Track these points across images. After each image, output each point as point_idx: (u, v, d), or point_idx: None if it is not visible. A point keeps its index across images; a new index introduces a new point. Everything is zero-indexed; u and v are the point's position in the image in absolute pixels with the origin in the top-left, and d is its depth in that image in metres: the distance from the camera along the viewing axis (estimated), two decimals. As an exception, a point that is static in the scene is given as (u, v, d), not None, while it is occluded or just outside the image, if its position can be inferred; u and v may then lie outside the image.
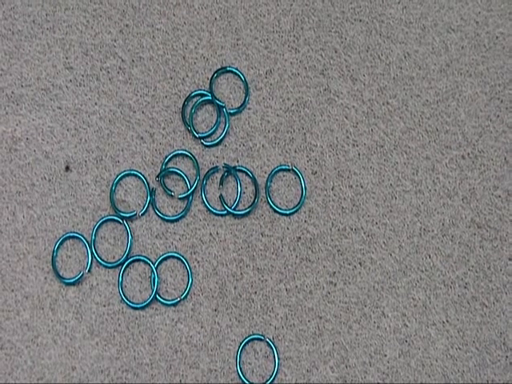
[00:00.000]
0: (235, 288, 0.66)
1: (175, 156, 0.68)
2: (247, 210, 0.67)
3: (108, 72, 0.69)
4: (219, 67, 0.69)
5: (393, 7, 0.70)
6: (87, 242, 0.66)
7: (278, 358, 0.65)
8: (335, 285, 0.66)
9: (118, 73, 0.69)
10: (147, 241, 0.67)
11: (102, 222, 0.67)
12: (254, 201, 0.67)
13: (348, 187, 0.67)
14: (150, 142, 0.68)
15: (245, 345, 0.65)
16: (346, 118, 0.68)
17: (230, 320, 0.66)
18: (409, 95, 0.69)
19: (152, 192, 0.67)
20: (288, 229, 0.67)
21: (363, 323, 0.66)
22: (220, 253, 0.67)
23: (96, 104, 0.69)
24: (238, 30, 0.69)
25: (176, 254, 0.66)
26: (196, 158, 0.67)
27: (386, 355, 0.65)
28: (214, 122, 0.68)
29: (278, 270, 0.66)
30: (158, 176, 0.67)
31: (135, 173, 0.67)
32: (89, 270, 0.66)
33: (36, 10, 0.70)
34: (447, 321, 0.66)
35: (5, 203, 0.67)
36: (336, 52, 0.69)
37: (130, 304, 0.66)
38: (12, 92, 0.69)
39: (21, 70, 0.69)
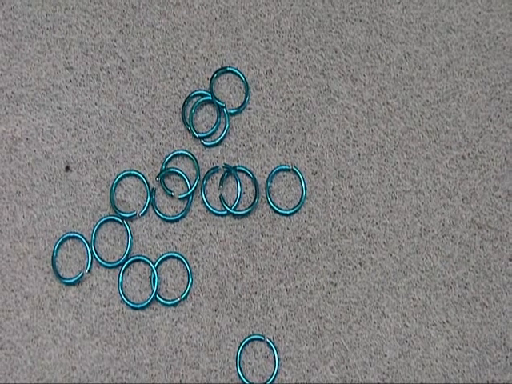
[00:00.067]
0: (235, 288, 0.66)
1: (175, 156, 0.68)
2: (247, 210, 0.67)
3: (108, 72, 0.69)
4: (219, 67, 0.69)
5: (393, 7, 0.70)
6: (87, 242, 0.66)
7: (278, 359, 0.65)
8: (335, 285, 0.66)
9: (118, 73, 0.69)
10: (147, 241, 0.67)
11: (102, 222, 0.67)
12: (254, 201, 0.67)
13: (348, 187, 0.67)
14: (150, 142, 0.68)
15: (245, 345, 0.65)
16: (347, 118, 0.68)
17: (230, 320, 0.66)
18: (409, 95, 0.69)
19: (152, 192, 0.67)
20: (288, 229, 0.67)
21: (363, 323, 0.66)
22: (220, 253, 0.67)
23: (96, 104, 0.69)
24: (238, 30, 0.69)
25: (176, 254, 0.66)
26: (196, 158, 0.67)
27: (386, 355, 0.65)
28: (214, 122, 0.68)
29: (278, 270, 0.66)
30: (158, 176, 0.67)
31: (135, 173, 0.67)
32: (89, 270, 0.66)
33: (36, 9, 0.70)
34: (447, 321, 0.66)
35: (5, 203, 0.67)
36: (336, 52, 0.69)
37: (130, 304, 0.65)
38: (12, 92, 0.69)
39: (21, 70, 0.69)
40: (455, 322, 0.66)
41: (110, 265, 0.66)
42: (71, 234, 0.66)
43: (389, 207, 0.67)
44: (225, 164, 0.67)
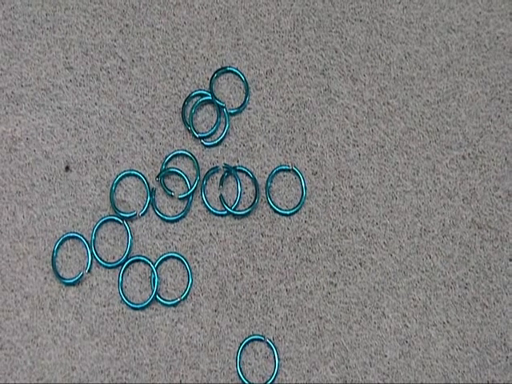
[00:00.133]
0: (235, 288, 0.66)
1: (175, 156, 0.68)
2: (247, 210, 0.67)
3: (108, 72, 0.69)
4: (219, 67, 0.69)
5: (393, 7, 0.70)
6: (87, 242, 0.66)
7: (278, 359, 0.65)
8: (335, 285, 0.66)
9: (118, 73, 0.69)
10: (147, 241, 0.67)
11: (102, 222, 0.67)
12: (254, 201, 0.67)
13: (348, 187, 0.67)
14: (150, 142, 0.68)
15: (245, 345, 0.65)
16: (347, 118, 0.68)
17: (230, 320, 0.66)
18: (409, 95, 0.69)
19: (152, 192, 0.67)
20: (288, 229, 0.67)
21: (363, 324, 0.66)
22: (220, 253, 0.66)
23: (96, 104, 0.68)
24: (239, 30, 0.69)
25: (176, 255, 0.66)
26: (196, 158, 0.67)
27: (386, 356, 0.65)
28: (214, 122, 0.68)
29: (278, 270, 0.66)
30: (158, 176, 0.67)
31: (135, 173, 0.67)
32: (89, 271, 0.66)
33: (36, 9, 0.70)
34: (448, 321, 0.66)
35: (5, 203, 0.67)
36: (336, 52, 0.69)
37: (130, 304, 0.65)
38: (12, 92, 0.69)
39: (21, 70, 0.69)
40: (455, 323, 0.66)
41: (109, 265, 0.66)
42: (71, 234, 0.66)
43: (389, 207, 0.67)
44: (225, 164, 0.67)
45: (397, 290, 0.66)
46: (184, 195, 0.67)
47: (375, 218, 0.67)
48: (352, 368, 0.65)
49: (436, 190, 0.67)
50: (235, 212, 0.67)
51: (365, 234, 0.67)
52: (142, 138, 0.68)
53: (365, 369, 0.65)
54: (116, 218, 0.67)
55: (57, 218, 0.67)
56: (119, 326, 0.66)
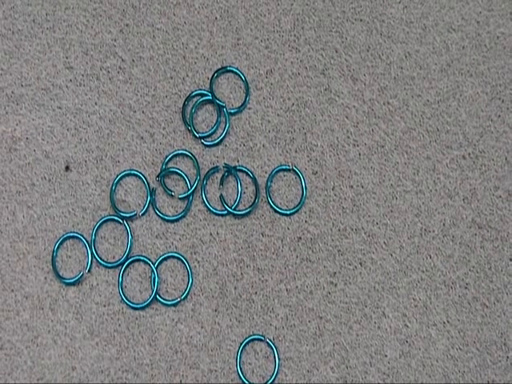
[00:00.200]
0: (235, 288, 0.66)
1: (175, 156, 0.68)
2: (247, 210, 0.67)
3: (108, 72, 0.69)
4: (219, 67, 0.69)
5: (393, 7, 0.70)
6: (87, 241, 0.66)
7: (279, 359, 0.65)
8: (336, 285, 0.66)
9: (118, 72, 0.69)
10: (147, 241, 0.67)
11: (102, 222, 0.67)
12: (255, 201, 0.67)
13: (349, 187, 0.67)
14: (150, 142, 0.68)
15: (245, 345, 0.65)
16: (347, 117, 0.68)
17: (231, 320, 0.66)
18: (409, 95, 0.69)
19: (152, 192, 0.67)
20: (288, 229, 0.67)
21: (364, 323, 0.66)
22: (220, 253, 0.66)
23: (96, 104, 0.68)
24: (239, 30, 0.69)
25: (176, 254, 0.66)
26: (196, 157, 0.67)
27: (386, 355, 0.65)
28: (215, 121, 0.68)
29: (278, 270, 0.66)
30: (158, 176, 0.67)
31: (135, 173, 0.67)
32: (89, 270, 0.66)
33: (36, 9, 0.70)
34: (448, 321, 0.66)
35: (5, 203, 0.67)
36: (337, 52, 0.69)
37: (130, 304, 0.65)
38: (12, 92, 0.69)
39: (21, 70, 0.69)
40: (456, 322, 0.66)
41: (110, 265, 0.66)
42: (71, 234, 0.66)
43: (389, 207, 0.67)
44: (225, 164, 0.67)
45: (397, 289, 0.66)
46: (184, 195, 0.67)
47: (375, 217, 0.67)
48: (352, 368, 0.65)
49: (436, 190, 0.67)
50: (235, 212, 0.67)
51: (365, 233, 0.67)
52: (142, 138, 0.68)
53: (365, 369, 0.65)
54: (116, 218, 0.67)
55: (57, 218, 0.67)
56: (119, 325, 0.66)
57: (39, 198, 0.67)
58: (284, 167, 0.67)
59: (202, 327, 0.65)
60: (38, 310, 0.66)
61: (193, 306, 0.66)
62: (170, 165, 0.68)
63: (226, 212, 0.67)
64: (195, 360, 0.65)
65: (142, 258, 0.66)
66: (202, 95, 0.68)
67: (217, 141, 0.68)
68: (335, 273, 0.66)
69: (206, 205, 0.67)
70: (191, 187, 0.67)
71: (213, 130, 0.68)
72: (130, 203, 0.67)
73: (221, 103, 0.68)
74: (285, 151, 0.68)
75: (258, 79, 0.69)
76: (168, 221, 0.67)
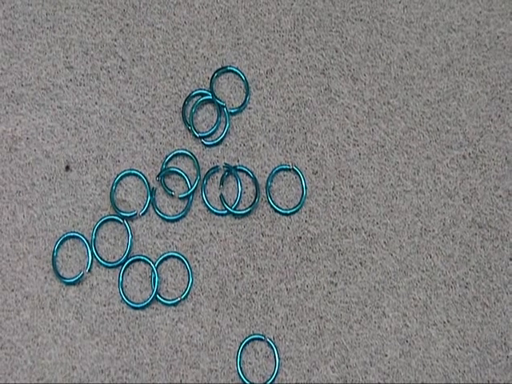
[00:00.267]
0: (236, 288, 0.66)
1: (175, 156, 0.68)
2: (248, 209, 0.67)
3: (108, 71, 0.69)
4: (220, 67, 0.69)
5: (394, 7, 0.70)
6: (87, 241, 0.66)
7: (279, 358, 0.65)
8: (336, 285, 0.66)
9: (119, 72, 0.69)
10: (147, 240, 0.67)
11: (103, 222, 0.67)
12: (255, 200, 0.67)
13: (349, 187, 0.67)
14: (150, 142, 0.68)
15: (245, 345, 0.65)
16: (347, 117, 0.68)
17: (231, 320, 0.66)
18: (410, 95, 0.69)
19: (152, 192, 0.67)
20: (288, 228, 0.67)
21: (364, 323, 0.66)
22: (220, 252, 0.66)
23: (96, 103, 0.68)
24: (239, 30, 0.69)
25: (176, 254, 0.66)
26: (196, 157, 0.67)
27: (386, 355, 0.65)
28: (215, 121, 0.68)
29: (278, 269, 0.66)
30: (158, 176, 0.67)
31: (135, 172, 0.67)
32: (89, 270, 0.66)
33: (36, 9, 0.70)
34: (448, 321, 0.66)
35: (5, 203, 0.67)
36: (337, 51, 0.69)
37: (131, 304, 0.65)
38: (12, 91, 0.69)
39: (21, 70, 0.69)
40: (456, 322, 0.66)
41: (110, 264, 0.66)
42: (71, 234, 0.66)
43: (389, 207, 0.67)
44: (225, 163, 0.67)
45: (397, 289, 0.66)
46: (184, 195, 0.67)
47: (375, 217, 0.67)
48: (352, 367, 0.65)
49: (436, 190, 0.67)
50: (235, 211, 0.67)
51: (365, 233, 0.67)
52: (142, 138, 0.68)
53: (365, 368, 0.65)
54: (116, 218, 0.67)
55: (57, 218, 0.67)
56: (119, 325, 0.66)
57: (39, 198, 0.67)
58: (284, 167, 0.67)
59: (202, 327, 0.65)
60: (38, 310, 0.66)
61: (193, 305, 0.66)
62: (170, 164, 0.68)
63: (226, 212, 0.67)
64: (195, 359, 0.65)
65: (142, 257, 0.66)
66: (202, 95, 0.68)
67: (217, 140, 0.68)
68: (335, 272, 0.66)
69: (206, 204, 0.67)
70: (191, 187, 0.67)
71: (213, 130, 0.68)
72: (131, 203, 0.67)
73: (221, 103, 0.68)
74: (285, 151, 0.68)
75: (258, 79, 0.69)
76: (168, 220, 0.67)
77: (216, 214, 0.67)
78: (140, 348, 0.65)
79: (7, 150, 0.68)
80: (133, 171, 0.67)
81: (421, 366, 0.65)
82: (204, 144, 0.68)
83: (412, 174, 0.67)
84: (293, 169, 0.67)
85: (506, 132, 0.68)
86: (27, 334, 0.65)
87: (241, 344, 0.65)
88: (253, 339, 0.65)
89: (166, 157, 0.67)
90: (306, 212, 0.67)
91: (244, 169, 0.67)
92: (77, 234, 0.66)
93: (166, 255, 0.66)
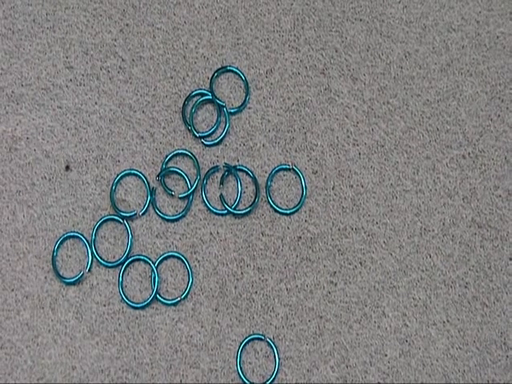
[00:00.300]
0: (235, 288, 0.66)
1: (175, 155, 0.68)
2: (247, 209, 0.67)
3: (108, 71, 0.69)
4: (219, 66, 0.69)
5: (393, 7, 0.70)
6: (87, 241, 0.66)
7: (279, 358, 0.65)
8: (336, 284, 0.66)
9: (119, 72, 0.69)
10: (147, 240, 0.67)
11: (103, 222, 0.67)
12: (255, 200, 0.67)
13: (348, 187, 0.67)
14: (150, 142, 0.68)
15: (245, 344, 0.65)
16: (347, 117, 0.68)
17: (231, 320, 0.66)
18: (409, 95, 0.69)
19: (152, 191, 0.67)
20: (288, 228, 0.67)
21: (364, 323, 0.66)
22: (220, 252, 0.66)
23: (96, 103, 0.68)
24: (239, 30, 0.69)
25: (176, 254, 0.66)
26: (196, 157, 0.67)
27: (386, 355, 0.65)
28: (215, 121, 0.68)
29: (278, 269, 0.66)
30: (158, 175, 0.67)
31: (135, 172, 0.67)
32: (89, 270, 0.66)
33: (36, 9, 0.70)
34: (448, 320, 0.66)
35: (5, 202, 0.67)
36: (336, 51, 0.69)
37: (131, 304, 0.65)
38: (12, 91, 0.69)
39: (21, 70, 0.69)
40: (455, 322, 0.66)
41: (110, 264, 0.66)
42: (71, 234, 0.66)
43: (389, 206, 0.67)
44: (225, 163, 0.67)
45: (397, 289, 0.66)
46: (184, 194, 0.67)
47: (375, 217, 0.67)
48: (352, 367, 0.65)
49: (436, 190, 0.67)
50: (235, 211, 0.67)
51: (365, 233, 0.67)
52: (142, 138, 0.68)
53: (365, 368, 0.65)
54: (116, 218, 0.67)
55: (57, 218, 0.67)
56: (119, 325, 0.66)
57: (39, 198, 0.67)
58: (284, 167, 0.67)
59: (202, 326, 0.66)
60: (38, 310, 0.66)
61: (193, 305, 0.66)
62: (170, 164, 0.68)
63: (226, 211, 0.67)
64: (195, 359, 0.65)
65: (142, 257, 0.66)
66: (202, 95, 0.68)
67: (217, 140, 0.68)
68: (335, 272, 0.66)
69: (206, 204, 0.67)
70: (191, 187, 0.67)
71: (213, 130, 0.68)
72: (130, 203, 0.67)
73: (221, 103, 0.68)
74: (285, 151, 0.68)
75: (258, 79, 0.69)
76: (168, 220, 0.67)
77: (216, 213, 0.67)
78: (140, 348, 0.65)
79: (7, 150, 0.68)
80: (133, 171, 0.67)
81: (420, 365, 0.65)
82: (204, 144, 0.68)
83: (412, 173, 0.68)
84: (292, 168, 0.67)
85: (506, 132, 0.68)
86: (27, 334, 0.65)
87: (241, 344, 0.65)
88: (253, 339, 0.65)
89: (166, 157, 0.67)
90: (305, 212, 0.67)
91: (244, 168, 0.67)
92: (77, 234, 0.66)
93: (165, 255, 0.66)
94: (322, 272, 0.66)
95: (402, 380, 0.65)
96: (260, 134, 0.68)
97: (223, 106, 0.68)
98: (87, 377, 0.65)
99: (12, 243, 0.67)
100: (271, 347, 0.65)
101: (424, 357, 0.65)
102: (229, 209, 0.67)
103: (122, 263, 0.66)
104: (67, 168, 0.68)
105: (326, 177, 0.67)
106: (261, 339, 0.65)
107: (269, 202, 0.67)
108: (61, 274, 0.66)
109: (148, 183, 0.67)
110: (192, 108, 0.68)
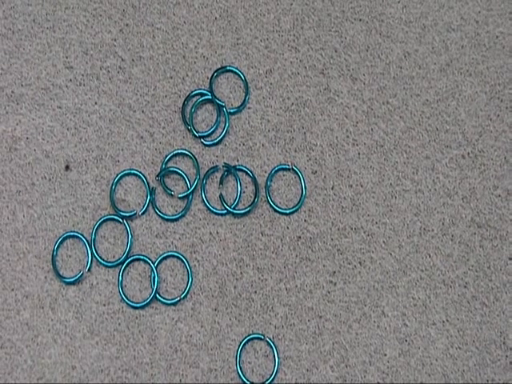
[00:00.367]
0: (235, 287, 0.66)
1: (175, 155, 0.68)
2: (247, 209, 0.67)
3: (108, 71, 0.69)
4: (219, 66, 0.69)
5: (393, 6, 0.70)
6: (87, 241, 0.66)
7: (278, 358, 0.65)
8: (335, 284, 0.66)
9: (118, 72, 0.69)
10: (147, 240, 0.67)
11: (102, 222, 0.67)
12: (254, 200, 0.67)
13: (348, 186, 0.67)
14: (149, 142, 0.68)
15: (245, 344, 0.65)
16: (346, 117, 0.68)
17: (230, 319, 0.66)
18: (409, 94, 0.69)
19: (152, 191, 0.67)
20: (288, 228, 0.67)
21: (363, 322, 0.66)
22: (220, 252, 0.67)
23: (96, 103, 0.69)
24: (238, 30, 0.69)
25: (176, 254, 0.66)
26: (196, 157, 0.67)
27: (385, 354, 0.65)
28: (214, 121, 0.68)
29: (277, 269, 0.66)
30: (157, 175, 0.67)
31: (135, 172, 0.67)
32: (89, 270, 0.66)
33: (36, 9, 0.70)
34: (447, 320, 0.66)
35: (5, 202, 0.67)
36: (336, 51, 0.69)
37: (130, 303, 0.66)
38: (12, 91, 0.69)
39: (21, 70, 0.69)
40: (455, 321, 0.66)
41: (109, 264, 0.66)
42: (71, 233, 0.67)
43: (388, 206, 0.67)
44: (225, 163, 0.67)
45: (396, 288, 0.66)
46: (184, 194, 0.67)
47: (375, 217, 0.67)
48: (352, 367, 0.65)
49: (435, 189, 0.67)
50: (235, 211, 0.67)
51: (364, 233, 0.67)
52: (141, 138, 0.68)
53: (364, 368, 0.65)
54: (116, 217, 0.67)
55: (57, 217, 0.67)
56: (119, 324, 0.66)
57: (39, 198, 0.67)
58: (283, 166, 0.67)
59: (201, 326, 0.66)
60: (38, 309, 0.66)
61: (192, 305, 0.66)
62: (169, 164, 0.68)
63: (225, 211, 0.67)
64: (195, 359, 0.65)
65: (141, 257, 0.66)
66: (202, 95, 0.68)
67: (216, 140, 0.68)
68: (335, 272, 0.66)
69: (205, 204, 0.67)
70: (191, 187, 0.67)
71: (212, 130, 0.68)
72: (130, 203, 0.67)
73: (220, 103, 0.68)
74: (284, 151, 0.68)
75: (258, 79, 0.69)
76: (168, 220, 0.67)
77: (215, 213, 0.67)
78: (140, 347, 0.65)
79: (7, 150, 0.68)
80: (132, 171, 0.67)
81: (420, 365, 0.65)
82: (203, 144, 0.68)
83: (411, 173, 0.68)
84: (292, 168, 0.67)
85: (505, 131, 0.68)
86: (27, 334, 0.66)
87: (240, 343, 0.65)
88: (252, 338, 0.65)
89: (166, 156, 0.67)
90: (305, 212, 0.67)
91: (243, 168, 0.67)
92: (76, 234, 0.66)
93: (165, 255, 0.66)
94: (322, 272, 0.66)
95: (401, 380, 0.65)
96: (260, 134, 0.68)
97: (223, 106, 0.68)
98: (87, 376, 0.65)
99: (12, 243, 0.67)
100: (271, 347, 0.65)
101: (423, 356, 0.65)
102: (228, 209, 0.67)
103: (122, 263, 0.66)
104: (67, 168, 0.68)
105: (325, 177, 0.67)
106: (260, 339, 0.65)
107: (268, 201, 0.67)
108: (61, 273, 0.66)
109: (148, 183, 0.67)
110: (192, 108, 0.68)
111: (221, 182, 0.67)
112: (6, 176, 0.68)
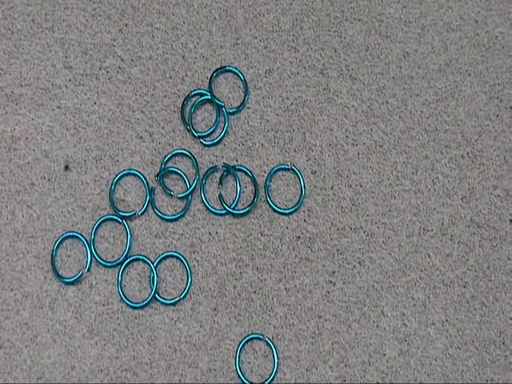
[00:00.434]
0: (234, 287, 0.66)
1: (174, 155, 0.68)
2: (246, 209, 0.67)
3: (107, 71, 0.69)
4: (218, 66, 0.69)
5: (392, 7, 0.70)
6: (86, 241, 0.66)
7: (278, 358, 0.65)
8: (334, 284, 0.66)
9: (118, 72, 0.69)
10: (146, 240, 0.67)
11: (102, 222, 0.67)
12: (254, 200, 0.67)
13: (347, 186, 0.67)
14: (149, 142, 0.68)
15: (244, 344, 0.65)
16: (346, 117, 0.68)
17: (230, 319, 0.66)
18: (408, 95, 0.69)
19: (151, 191, 0.67)
20: (287, 228, 0.67)
21: (362, 323, 0.66)
22: (219, 252, 0.67)
23: (95, 103, 0.69)
24: (238, 30, 0.70)
25: (175, 254, 0.66)
26: (195, 157, 0.67)
27: (385, 355, 0.65)
28: (214, 121, 0.68)
29: (277, 269, 0.66)
30: (157, 175, 0.67)
31: (134, 172, 0.67)
32: (88, 270, 0.66)
33: (35, 9, 0.70)
34: (446, 320, 0.66)
35: (4, 202, 0.67)
36: (335, 51, 0.69)
37: (130, 303, 0.66)
38: (11, 91, 0.69)
39: (20, 70, 0.69)
40: (454, 321, 0.66)
41: (109, 264, 0.66)
42: (70, 234, 0.67)
43: (388, 206, 0.67)
44: (224, 163, 0.67)
45: (396, 288, 0.66)
46: (183, 194, 0.67)
47: (374, 217, 0.67)
48: (351, 367, 0.65)
49: (435, 189, 0.67)
50: (234, 211, 0.67)
51: (364, 233, 0.67)
52: (141, 138, 0.68)
53: (364, 368, 0.65)
54: (115, 218, 0.67)
55: (56, 218, 0.67)
56: (118, 325, 0.66)
57: (39, 198, 0.67)
58: (283, 166, 0.67)
59: (201, 326, 0.66)
60: (37, 309, 0.66)
61: (192, 305, 0.66)
62: (169, 164, 0.68)
63: (225, 211, 0.67)
64: (194, 359, 0.65)
65: (141, 257, 0.66)
66: (201, 95, 0.68)
67: (216, 140, 0.68)
68: (334, 272, 0.66)
69: (205, 204, 0.67)
70: (190, 187, 0.67)
71: (212, 130, 0.68)
72: (130, 203, 0.67)
73: (220, 103, 0.68)
74: (284, 151, 0.68)
75: (257, 79, 0.69)
76: (167, 220, 0.67)
77: (215, 213, 0.67)
78: (139, 347, 0.65)
79: (6, 150, 0.68)
80: (132, 171, 0.67)
81: (419, 365, 0.65)
82: (203, 144, 0.68)
83: (410, 173, 0.68)
84: (291, 168, 0.67)
85: (505, 132, 0.68)
86: (26, 334, 0.66)
87: (240, 343, 0.65)
88: (251, 339, 0.65)
89: (165, 156, 0.67)
90: (304, 212, 0.67)
91: (243, 168, 0.67)
92: (76, 234, 0.66)
93: (164, 255, 0.66)
94: (321, 272, 0.66)
95: (400, 380, 0.65)
96: (259, 134, 0.68)
97: (222, 106, 0.68)
98: (86, 376, 0.65)
99: (11, 243, 0.67)
100: (270, 347, 0.65)
101: (423, 356, 0.65)
102: (228, 209, 0.67)
103: (121, 263, 0.66)
104: (66, 168, 0.68)
105: (324, 177, 0.67)
106: (260, 339, 0.65)
107: (268, 201, 0.67)
108: (60, 273, 0.66)
109: (147, 183, 0.67)
110: (191, 108, 0.68)
111: (220, 182, 0.67)
112: (5, 176, 0.68)
